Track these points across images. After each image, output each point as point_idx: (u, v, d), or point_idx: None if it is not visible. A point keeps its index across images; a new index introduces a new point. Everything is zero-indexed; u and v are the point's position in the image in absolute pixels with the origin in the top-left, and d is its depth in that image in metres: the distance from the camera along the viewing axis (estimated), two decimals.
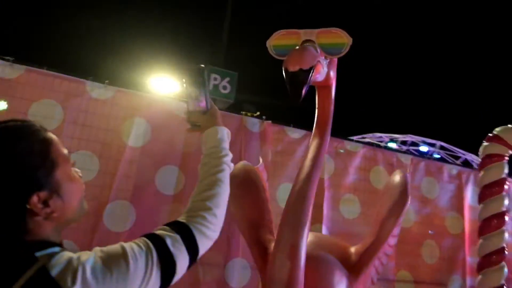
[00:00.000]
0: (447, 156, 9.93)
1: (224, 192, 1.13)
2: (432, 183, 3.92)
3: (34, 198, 0.88)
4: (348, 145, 3.75)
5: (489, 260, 2.70)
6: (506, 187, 2.81)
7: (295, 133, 3.61)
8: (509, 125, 2.82)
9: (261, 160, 2.73)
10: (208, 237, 1.06)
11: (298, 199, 1.49)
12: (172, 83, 11.90)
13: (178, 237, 0.99)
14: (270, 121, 3.52)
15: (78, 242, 2.77)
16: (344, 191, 3.63)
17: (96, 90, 3.13)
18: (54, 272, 0.83)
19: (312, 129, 3.92)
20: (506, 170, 2.81)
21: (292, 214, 1.47)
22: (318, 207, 3.45)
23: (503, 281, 2.67)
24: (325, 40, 1.58)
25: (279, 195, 3.37)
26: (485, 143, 2.89)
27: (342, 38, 1.57)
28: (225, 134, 1.24)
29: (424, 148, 10.89)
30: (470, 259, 3.84)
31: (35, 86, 3.00)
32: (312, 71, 1.44)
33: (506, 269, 2.70)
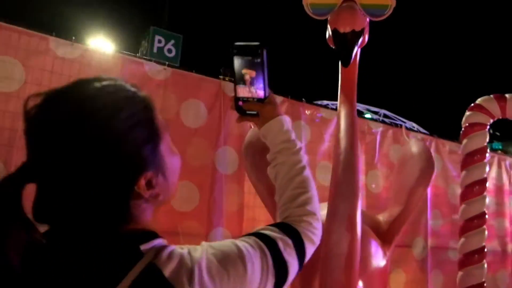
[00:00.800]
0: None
1: (315, 191, 1.01)
2: (399, 150, 4.04)
3: (142, 179, 0.73)
4: (323, 112, 3.74)
5: (471, 224, 2.86)
6: (487, 155, 2.96)
7: None
8: (491, 95, 2.95)
9: (252, 126, 2.63)
10: (314, 243, 0.94)
11: (346, 169, 1.43)
12: (109, 45, 11.15)
13: (290, 241, 0.86)
14: None
15: None
16: (320, 158, 3.64)
17: (61, 48, 2.79)
18: (167, 271, 0.69)
19: (287, 95, 3.82)
20: (487, 139, 2.95)
21: (343, 184, 1.40)
22: None
23: (483, 243, 2.84)
24: (367, 1, 1.49)
25: None
26: (467, 113, 3.00)
27: (385, 0, 1.49)
28: (289, 123, 1.08)
29: (368, 116, 11.33)
30: (431, 221, 4.07)
31: None
32: (363, 32, 1.36)
33: (486, 232, 2.87)
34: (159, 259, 0.70)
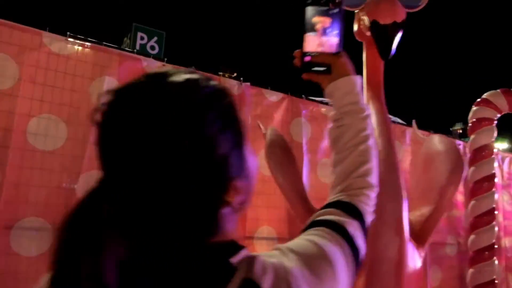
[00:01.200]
0: None
1: (377, 162, 0.91)
2: (399, 147, 4.03)
3: (232, 187, 0.65)
4: (322, 108, 3.69)
5: (481, 221, 2.84)
6: (495, 150, 2.94)
7: (273, 96, 3.45)
8: (498, 90, 2.92)
9: (261, 125, 2.54)
10: (372, 217, 0.86)
11: (388, 168, 1.36)
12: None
13: (356, 223, 0.78)
14: (248, 83, 3.31)
15: (49, 219, 2.41)
16: (321, 156, 3.58)
17: (56, 44, 2.66)
18: (266, 285, 0.61)
19: (286, 92, 3.75)
20: (495, 134, 2.92)
21: (387, 184, 1.33)
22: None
23: (493, 240, 2.82)
24: None
25: (261, 162, 3.22)
26: (474, 108, 2.98)
27: None
28: (361, 86, 0.96)
29: None
30: None
31: None
32: (404, 24, 1.29)
33: (496, 228, 2.85)
34: (253, 272, 0.62)
